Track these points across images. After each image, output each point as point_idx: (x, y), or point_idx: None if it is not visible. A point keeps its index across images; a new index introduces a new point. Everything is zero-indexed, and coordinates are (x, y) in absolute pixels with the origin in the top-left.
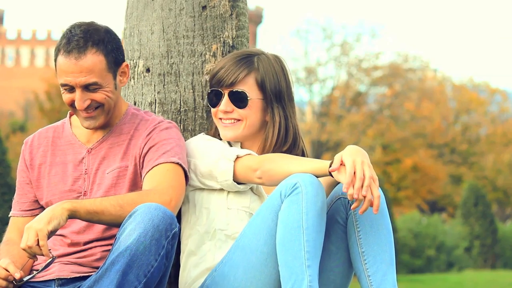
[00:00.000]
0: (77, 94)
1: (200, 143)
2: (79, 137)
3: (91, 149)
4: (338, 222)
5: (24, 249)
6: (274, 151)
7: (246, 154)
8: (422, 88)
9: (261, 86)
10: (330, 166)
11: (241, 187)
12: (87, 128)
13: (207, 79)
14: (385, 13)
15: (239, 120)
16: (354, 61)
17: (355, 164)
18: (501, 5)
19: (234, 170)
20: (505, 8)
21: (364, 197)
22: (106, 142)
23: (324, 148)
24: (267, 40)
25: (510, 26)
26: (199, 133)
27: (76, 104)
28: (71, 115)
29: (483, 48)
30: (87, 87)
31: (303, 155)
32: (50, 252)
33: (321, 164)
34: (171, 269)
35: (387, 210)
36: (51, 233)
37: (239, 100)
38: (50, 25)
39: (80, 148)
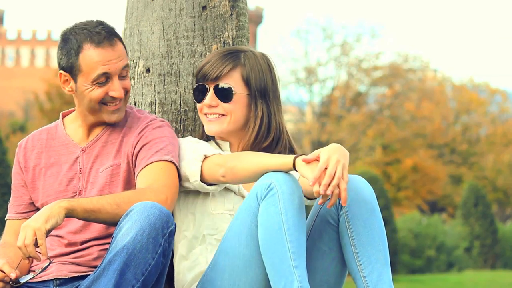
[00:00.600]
0: (116, 83)
1: (182, 146)
2: (73, 137)
3: (85, 148)
4: (329, 223)
5: (20, 248)
6: (253, 147)
7: (214, 154)
8: (422, 88)
9: (247, 81)
10: (296, 157)
11: (210, 188)
12: (115, 121)
13: (194, 74)
14: (385, 13)
15: (224, 115)
16: (354, 61)
17: (329, 161)
18: (501, 5)
19: (201, 170)
20: (505, 8)
21: (329, 194)
22: (99, 141)
23: None
24: (267, 40)
25: (510, 26)
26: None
27: (116, 93)
28: (63, 116)
29: (483, 48)
30: (121, 74)
31: (291, 153)
32: (48, 258)
33: (286, 159)
34: (168, 268)
35: (378, 209)
36: (48, 232)
37: (224, 94)
38: (50, 25)
39: (74, 147)
